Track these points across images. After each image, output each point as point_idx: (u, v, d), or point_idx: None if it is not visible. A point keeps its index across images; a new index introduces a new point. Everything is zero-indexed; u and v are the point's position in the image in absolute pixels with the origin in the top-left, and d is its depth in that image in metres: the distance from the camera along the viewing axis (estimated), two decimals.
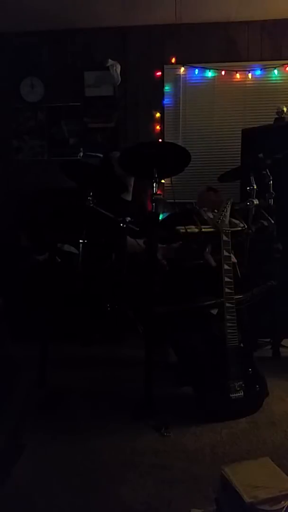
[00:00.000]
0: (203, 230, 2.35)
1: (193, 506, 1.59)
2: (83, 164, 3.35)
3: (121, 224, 2.49)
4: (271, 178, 2.91)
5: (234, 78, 4.43)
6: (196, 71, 4.43)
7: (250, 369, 2.27)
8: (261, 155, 2.93)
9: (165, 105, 4.52)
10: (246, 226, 2.57)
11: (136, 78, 4.49)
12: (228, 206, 2.40)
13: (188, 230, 2.33)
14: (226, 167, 3.25)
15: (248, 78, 4.42)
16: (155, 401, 2.27)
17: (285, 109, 3.69)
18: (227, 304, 2.26)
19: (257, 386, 2.29)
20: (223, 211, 2.37)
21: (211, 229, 2.36)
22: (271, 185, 2.91)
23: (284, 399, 2.45)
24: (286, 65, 4.36)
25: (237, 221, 2.50)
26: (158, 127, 4.51)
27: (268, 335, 3.17)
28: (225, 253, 2.30)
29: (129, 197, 3.46)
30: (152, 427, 2.16)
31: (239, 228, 2.51)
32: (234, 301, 2.28)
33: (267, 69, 4.37)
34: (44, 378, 2.62)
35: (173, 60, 4.43)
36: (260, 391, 2.30)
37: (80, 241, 2.65)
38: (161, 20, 4.28)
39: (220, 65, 4.39)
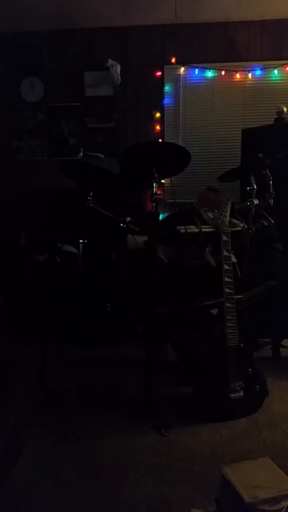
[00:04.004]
0: (203, 230, 2.35)
1: (193, 506, 1.59)
2: (83, 164, 3.35)
3: (121, 224, 2.49)
4: (271, 178, 2.91)
5: (234, 78, 4.43)
6: (196, 71, 4.43)
7: (250, 369, 2.27)
8: (261, 155, 2.94)
9: (165, 105, 4.53)
10: (246, 226, 2.57)
11: (136, 78, 4.49)
12: (228, 206, 2.40)
13: (188, 230, 2.32)
14: (226, 167, 3.24)
15: (248, 78, 4.42)
16: (155, 401, 2.27)
17: (285, 109, 3.69)
18: (227, 304, 2.26)
19: (257, 386, 2.28)
20: (223, 211, 2.37)
21: (211, 229, 2.36)
22: (271, 185, 2.91)
23: (284, 399, 2.45)
24: (286, 65, 4.36)
25: (237, 221, 2.49)
26: (158, 127, 4.52)
27: (268, 335, 3.17)
28: (225, 253, 2.30)
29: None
30: (152, 427, 2.16)
31: (239, 228, 2.50)
32: (234, 301, 2.28)
33: (267, 69, 4.37)
34: (44, 378, 2.62)
35: (173, 60, 4.43)
36: (260, 391, 2.30)
37: (80, 241, 2.65)
38: (161, 20, 4.29)
39: (220, 65, 4.40)
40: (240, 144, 3.94)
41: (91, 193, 2.50)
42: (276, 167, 2.91)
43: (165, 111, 4.52)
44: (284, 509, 1.37)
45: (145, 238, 2.52)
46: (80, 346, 3.26)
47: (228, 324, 2.24)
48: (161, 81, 4.49)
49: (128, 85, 4.50)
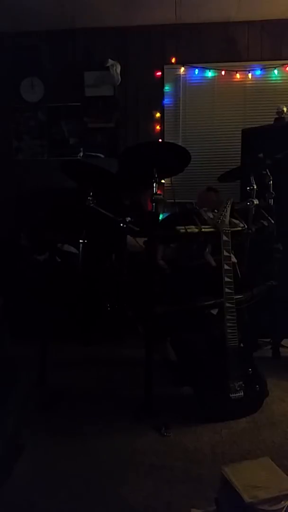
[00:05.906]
0: (203, 230, 2.35)
1: (193, 506, 1.59)
2: (83, 164, 3.35)
3: (121, 224, 2.49)
4: (271, 178, 2.91)
5: (234, 78, 4.43)
6: (196, 71, 4.43)
7: (250, 369, 2.27)
8: (261, 155, 2.93)
9: (165, 105, 4.53)
10: (246, 226, 2.57)
11: (136, 78, 4.49)
12: (228, 206, 2.40)
13: (188, 230, 2.32)
14: (226, 167, 3.25)
15: (248, 78, 4.42)
16: (155, 401, 2.27)
17: (285, 109, 3.69)
18: (227, 304, 2.26)
19: (257, 386, 2.29)
20: (223, 211, 2.37)
21: (211, 229, 2.36)
22: (271, 185, 2.91)
23: (284, 399, 2.45)
24: (286, 65, 4.36)
25: (237, 221, 2.49)
26: (158, 127, 4.52)
27: (268, 335, 3.17)
28: (225, 253, 2.30)
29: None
30: (152, 427, 2.15)
31: (239, 228, 2.50)
32: (234, 301, 2.28)
33: (267, 69, 4.37)
34: (44, 378, 2.62)
35: (173, 60, 4.44)
36: (260, 391, 2.30)
37: (80, 241, 2.65)
38: (161, 20, 4.29)
39: (220, 65, 4.40)
40: (240, 144, 3.94)
41: (91, 193, 2.50)
42: (276, 167, 2.91)
43: (165, 111, 4.52)
44: (284, 509, 1.36)
45: (144, 238, 2.52)
46: (80, 346, 3.26)
47: (228, 324, 2.24)
48: (161, 81, 4.49)
49: (128, 85, 4.50)
